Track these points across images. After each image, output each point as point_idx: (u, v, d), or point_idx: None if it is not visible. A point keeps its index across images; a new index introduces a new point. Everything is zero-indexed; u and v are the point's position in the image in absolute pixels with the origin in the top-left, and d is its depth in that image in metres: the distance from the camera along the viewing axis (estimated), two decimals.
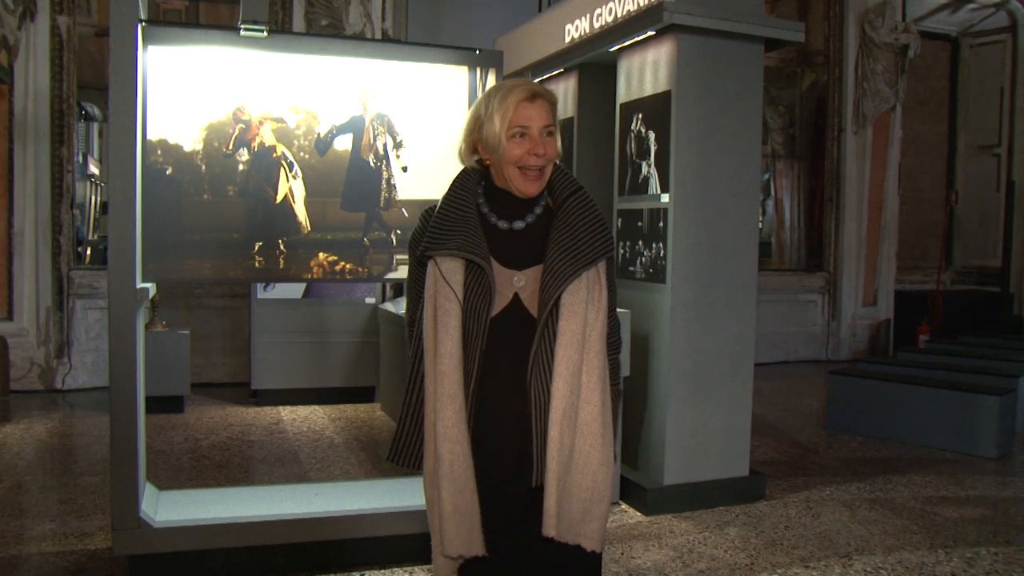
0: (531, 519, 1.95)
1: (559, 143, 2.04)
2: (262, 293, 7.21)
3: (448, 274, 1.93)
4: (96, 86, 8.82)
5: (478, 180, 2.06)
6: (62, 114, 7.55)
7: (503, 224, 2.01)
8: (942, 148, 12.34)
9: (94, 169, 9.67)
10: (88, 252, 8.96)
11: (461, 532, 1.93)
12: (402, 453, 2.05)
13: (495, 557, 1.97)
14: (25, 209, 7.48)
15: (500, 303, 1.95)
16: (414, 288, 2.08)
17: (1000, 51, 11.90)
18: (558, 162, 2.07)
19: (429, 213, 2.05)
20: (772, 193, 11.28)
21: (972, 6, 11.52)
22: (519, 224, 2.02)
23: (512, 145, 1.95)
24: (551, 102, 2.01)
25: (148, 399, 3.69)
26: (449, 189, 2.05)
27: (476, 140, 2.02)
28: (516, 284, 1.96)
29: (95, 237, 9.42)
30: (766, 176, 11.22)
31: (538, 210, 2.03)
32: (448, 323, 1.92)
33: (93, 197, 9.69)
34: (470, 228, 1.97)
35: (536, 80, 5.99)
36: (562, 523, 1.93)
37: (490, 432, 1.95)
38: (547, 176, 2.01)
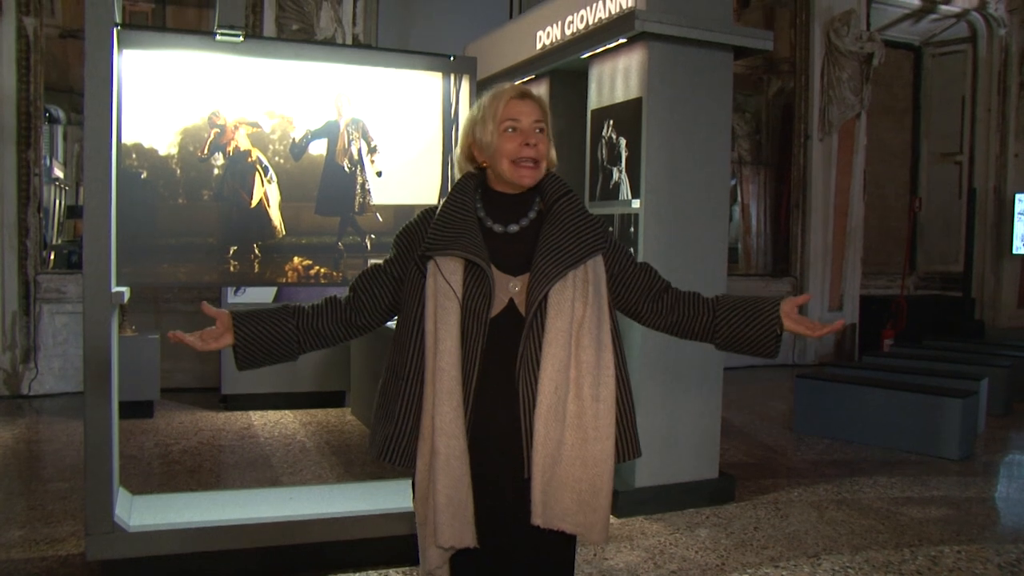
0: (521, 510, 1.99)
1: (553, 150, 2.14)
2: (233, 297, 7.17)
3: (449, 274, 1.98)
4: (60, 88, 8.68)
5: (476, 186, 2.12)
6: (29, 116, 7.47)
7: (498, 227, 2.07)
8: (906, 155, 12.56)
9: (58, 173, 9.55)
10: (52, 256, 8.84)
11: (454, 524, 1.95)
12: (394, 451, 2.03)
13: (486, 547, 2.00)
14: None
15: (497, 307, 2.00)
16: (383, 269, 2.13)
17: (961, 60, 12.16)
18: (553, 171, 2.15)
19: (429, 213, 2.11)
20: (739, 199, 11.41)
21: (934, 16, 11.75)
22: (513, 228, 2.07)
23: (504, 140, 2.03)
24: (541, 106, 2.10)
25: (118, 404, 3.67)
26: (450, 193, 2.11)
27: (471, 144, 2.11)
28: (512, 290, 2.01)
29: (59, 241, 9.31)
30: (733, 182, 11.33)
31: (532, 214, 2.09)
32: (448, 321, 1.96)
33: (57, 201, 9.56)
34: (471, 231, 2.02)
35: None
36: (551, 512, 1.97)
37: (485, 429, 1.99)
38: (542, 170, 2.08)
